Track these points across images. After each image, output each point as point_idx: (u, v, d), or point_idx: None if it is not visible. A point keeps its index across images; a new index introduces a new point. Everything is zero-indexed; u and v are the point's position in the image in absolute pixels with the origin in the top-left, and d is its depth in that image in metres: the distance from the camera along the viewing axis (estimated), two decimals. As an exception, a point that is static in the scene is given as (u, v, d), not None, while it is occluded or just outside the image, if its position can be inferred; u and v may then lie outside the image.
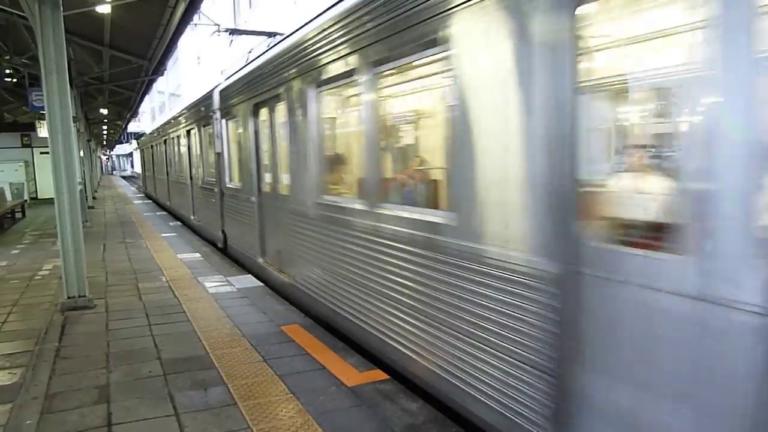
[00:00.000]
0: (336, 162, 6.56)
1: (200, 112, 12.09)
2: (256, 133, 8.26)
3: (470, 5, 3.34)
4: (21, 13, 8.18)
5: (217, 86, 10.62)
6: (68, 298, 6.97)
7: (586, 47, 2.78)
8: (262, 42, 10.52)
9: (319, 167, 6.01)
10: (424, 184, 5.26)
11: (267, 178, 8.06)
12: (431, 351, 4.03)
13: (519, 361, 3.15)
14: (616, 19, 3.00)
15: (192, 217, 14.53)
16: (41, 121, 20.47)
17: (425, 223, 4.07)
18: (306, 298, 6.49)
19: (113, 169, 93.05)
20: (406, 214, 4.36)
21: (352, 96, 5.87)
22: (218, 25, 27.25)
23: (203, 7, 15.98)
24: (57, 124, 6.76)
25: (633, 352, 2.54)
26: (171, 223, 16.43)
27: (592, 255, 2.71)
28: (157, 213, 19.93)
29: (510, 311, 3.19)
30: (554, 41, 2.80)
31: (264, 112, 7.86)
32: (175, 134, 16.55)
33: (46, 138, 6.91)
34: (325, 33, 5.42)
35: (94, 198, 25.00)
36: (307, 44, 5.92)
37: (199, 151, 12.93)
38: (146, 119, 64.14)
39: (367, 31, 4.60)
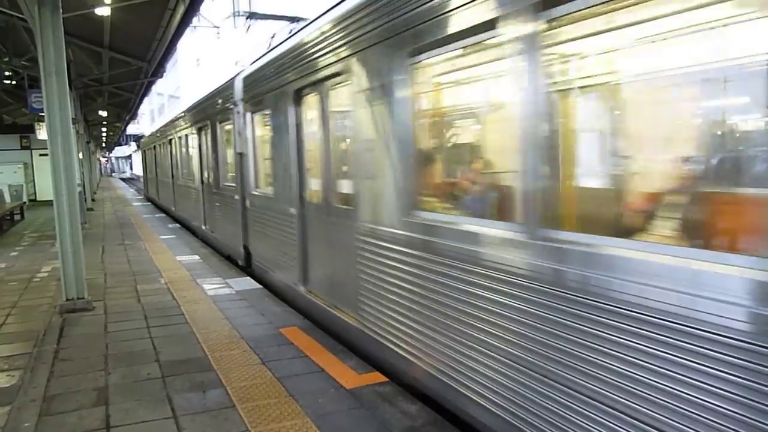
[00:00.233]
0: (451, 161, 4.72)
1: (216, 106, 10.47)
2: (298, 127, 6.55)
3: None
4: (20, 15, 8.19)
5: (239, 74, 8.99)
6: (67, 300, 6.96)
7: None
8: (283, 28, 9.77)
9: (413, 171, 4.21)
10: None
11: (313, 184, 6.38)
12: None
13: None
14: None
15: (203, 227, 12.83)
16: (40, 123, 20.45)
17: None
18: (384, 351, 4.68)
19: (112, 171, 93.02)
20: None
21: (485, 61, 3.90)
22: (218, 27, 27.29)
23: (202, 9, 16.00)
24: (56, 126, 6.76)
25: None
26: (170, 225, 16.40)
27: None
28: (156, 215, 19.92)
29: None
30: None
31: (311, 100, 6.21)
32: (183, 133, 14.70)
33: (46, 140, 6.91)
34: None
35: (93, 200, 24.98)
36: None
37: (213, 152, 11.14)
38: (145, 121, 64.12)
39: None
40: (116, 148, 79.40)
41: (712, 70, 2.79)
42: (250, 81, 8.22)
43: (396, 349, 4.45)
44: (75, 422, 4.05)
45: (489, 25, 3.20)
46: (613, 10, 2.73)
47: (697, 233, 2.84)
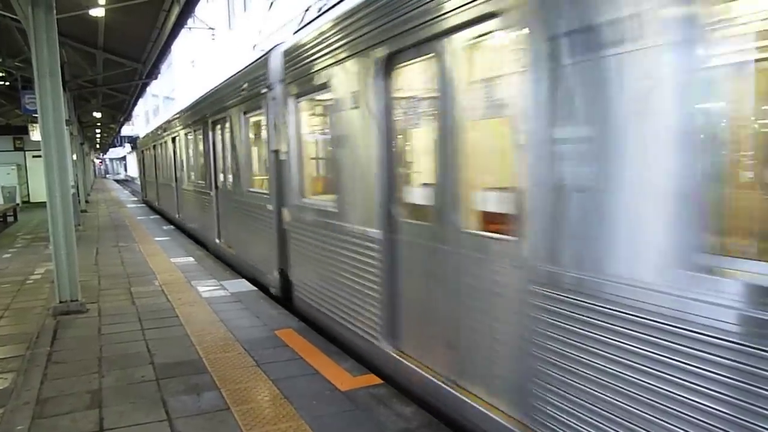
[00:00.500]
0: None
1: (238, 94, 8.51)
2: (387, 111, 4.51)
3: None
4: (14, 16, 8.16)
5: (274, 48, 7.01)
6: (60, 302, 6.92)
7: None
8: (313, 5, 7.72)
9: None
10: None
11: (417, 195, 4.40)
12: None
13: None
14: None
15: (217, 241, 10.83)
16: (34, 125, 20.34)
17: None
18: None
19: (107, 172, 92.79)
20: None
21: None
22: (213, 29, 27.22)
23: (197, 10, 15.95)
24: (50, 127, 6.72)
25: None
26: (164, 227, 16.35)
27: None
28: (151, 217, 19.85)
29: None
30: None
31: (416, 69, 4.25)
32: (191, 129, 12.84)
33: (39, 141, 6.87)
34: None
35: (87, 202, 24.89)
36: None
37: (232, 150, 9.20)
38: (140, 122, 63.91)
39: None
40: (110, 149, 79.23)
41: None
42: (297, 55, 6.08)
43: None
44: (68, 425, 4.02)
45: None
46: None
47: None
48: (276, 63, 6.85)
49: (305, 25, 6.42)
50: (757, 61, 2.32)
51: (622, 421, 2.56)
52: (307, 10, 7.90)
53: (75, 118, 20.27)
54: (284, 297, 7.16)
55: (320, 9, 6.68)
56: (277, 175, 7.09)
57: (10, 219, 18.95)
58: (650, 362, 2.40)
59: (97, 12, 10.40)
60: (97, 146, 56.10)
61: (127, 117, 34.66)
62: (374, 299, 4.77)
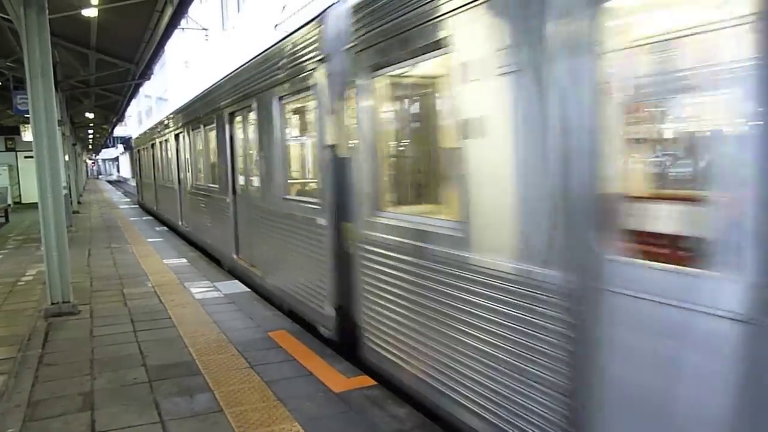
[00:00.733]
0: None
1: (274, 73, 6.57)
2: (591, 72, 2.58)
3: None
4: (6, 16, 8.10)
5: (333, 5, 5.22)
6: (52, 304, 6.88)
7: None
8: None
9: None
10: None
11: (669, 217, 2.49)
12: None
13: None
14: None
15: (234, 256, 9.08)
16: (26, 125, 20.27)
17: None
18: None
19: (99, 173, 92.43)
20: None
21: None
22: (206, 29, 27.18)
23: (190, 11, 15.91)
24: (42, 127, 6.69)
25: None
26: (157, 228, 16.29)
27: None
28: (144, 218, 19.77)
29: None
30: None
31: None
32: (201, 124, 10.95)
33: (31, 142, 6.84)
34: None
35: (79, 202, 24.77)
36: None
37: (258, 147, 7.41)
38: (133, 123, 63.69)
39: None
40: (103, 150, 78.90)
41: None
42: (381, 6, 4.27)
43: None
44: (60, 427, 4.00)
45: None
46: None
47: None
48: (337, 25, 5.02)
49: None
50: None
51: None
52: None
53: (67, 119, 20.18)
54: (342, 341, 5.36)
55: None
56: (336, 180, 5.25)
57: (2, 220, 18.83)
58: None
59: (90, 12, 10.35)
60: (90, 147, 55.83)
61: (120, 118, 34.51)
62: (552, 387, 2.87)
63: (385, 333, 4.56)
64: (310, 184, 6.77)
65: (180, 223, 14.21)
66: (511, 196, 3.10)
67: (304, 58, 5.72)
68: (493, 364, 3.28)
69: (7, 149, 26.37)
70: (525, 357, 3.03)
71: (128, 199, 31.14)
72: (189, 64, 39.82)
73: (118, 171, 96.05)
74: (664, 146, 2.66)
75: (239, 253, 8.89)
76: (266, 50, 6.99)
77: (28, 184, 25.30)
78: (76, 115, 25.56)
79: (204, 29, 27.06)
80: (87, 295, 7.95)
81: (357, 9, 4.65)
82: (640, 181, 2.67)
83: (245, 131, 8.26)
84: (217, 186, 9.93)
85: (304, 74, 5.74)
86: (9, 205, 21.86)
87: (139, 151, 24.44)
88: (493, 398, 3.29)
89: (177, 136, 13.89)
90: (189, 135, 12.37)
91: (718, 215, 2.13)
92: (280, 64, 6.42)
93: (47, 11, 6.73)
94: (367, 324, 4.84)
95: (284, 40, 6.38)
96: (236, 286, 8.26)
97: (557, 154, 2.78)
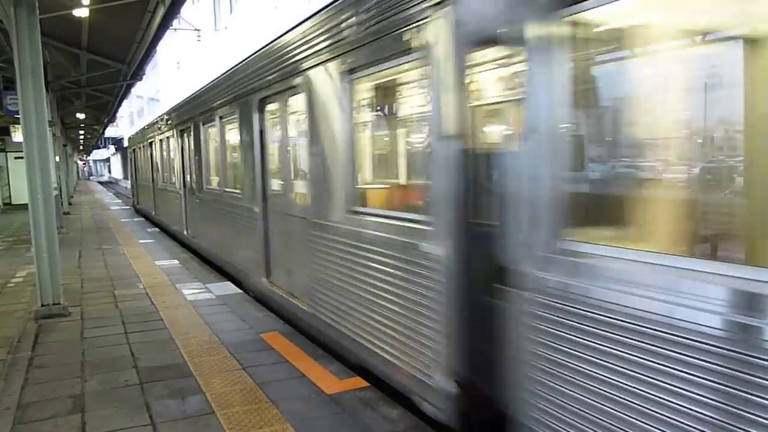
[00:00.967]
0: None
1: (339, 38, 4.84)
2: None
3: None
4: (-4, 16, 8.04)
5: None
6: (42, 305, 6.83)
7: None
8: None
9: None
10: None
11: None
12: None
13: None
14: None
15: (264, 279, 7.20)
16: (16, 126, 20.12)
17: None
18: None
19: (90, 174, 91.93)
20: None
21: None
22: (198, 30, 27.08)
23: (183, 11, 15.84)
24: (32, 128, 6.65)
25: None
26: (149, 230, 16.21)
27: None
28: (135, 219, 19.67)
29: None
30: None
31: None
32: (215, 116, 9.18)
33: (21, 143, 6.80)
34: None
35: (70, 204, 24.62)
36: None
37: (306, 142, 5.67)
38: (124, 124, 63.42)
39: None
40: (94, 151, 78.50)
41: None
42: None
43: None
44: (50, 430, 3.97)
45: None
46: None
47: None
48: None
49: None
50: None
51: None
52: None
53: (58, 119, 20.04)
54: (465, 427, 3.63)
55: None
56: (464, 186, 3.58)
57: (-9, 221, 18.69)
58: None
59: (81, 12, 10.29)
60: (81, 148, 55.52)
61: (111, 118, 34.33)
62: None
63: None
64: (406, 193, 5.10)
65: (185, 232, 12.31)
66: None
67: (402, 6, 3.92)
68: None
69: (-2, 150, 26.19)
70: None
71: (120, 201, 30.97)
72: (181, 64, 39.69)
73: (110, 172, 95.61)
74: None
75: (270, 276, 7.14)
76: (327, 6, 5.09)
77: (18, 185, 25.10)
78: (67, 115, 25.42)
79: (196, 30, 26.98)
80: (78, 296, 7.90)
81: None
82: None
83: (283, 123, 6.55)
84: (238, 191, 8.19)
85: (403, 30, 3.92)
86: (-1, 206, 21.72)
87: (134, 150, 22.59)
88: None
89: (183, 132, 12.09)
90: (198, 130, 10.59)
91: None
92: (355, 21, 4.55)
93: (38, 11, 6.69)
94: (538, 418, 2.97)
95: None
96: (228, 288, 8.23)
97: None
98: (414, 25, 3.79)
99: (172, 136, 13.45)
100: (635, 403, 2.43)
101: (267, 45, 6.73)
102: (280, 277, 6.85)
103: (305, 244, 5.79)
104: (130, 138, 26.13)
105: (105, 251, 12.12)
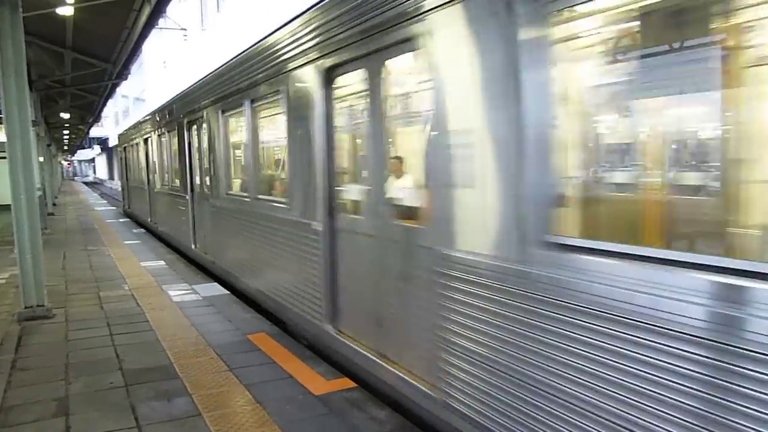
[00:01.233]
0: None
1: None
2: None
3: None
4: (-22, 14, 7.93)
5: None
6: (26, 307, 6.75)
7: None
8: None
9: None
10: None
11: None
12: None
13: None
14: None
15: (330, 327, 5.07)
16: (-1, 125, 19.81)
17: None
18: None
19: (75, 175, 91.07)
20: None
21: None
22: (185, 29, 26.88)
23: (168, 10, 15.71)
24: (15, 128, 6.58)
25: None
26: (134, 230, 16.08)
27: None
28: (120, 220, 19.50)
29: None
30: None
31: None
32: (230, 107, 7.70)
33: (4, 143, 6.71)
34: None
35: (54, 204, 24.36)
36: None
37: (439, 129, 3.44)
38: (109, 124, 62.88)
39: None
40: (79, 151, 77.75)
41: None
42: None
43: None
44: (33, 434, 3.92)
45: None
46: None
47: None
48: None
49: None
50: None
51: None
52: None
53: (42, 119, 19.83)
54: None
55: None
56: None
57: (-27, 222, 18.42)
58: None
59: (65, 11, 10.19)
60: (66, 148, 54.91)
61: (97, 118, 34.04)
62: None
63: None
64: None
65: (193, 246, 10.33)
66: None
67: None
68: None
69: (-21, 150, 25.85)
70: None
71: (105, 201, 30.69)
72: (167, 64, 39.41)
73: (95, 172, 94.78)
74: None
75: (339, 323, 5.05)
76: None
77: (0, 185, 24.79)
78: (51, 115, 25.15)
79: (183, 29, 26.81)
80: (62, 298, 7.81)
81: None
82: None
83: (376, 105, 4.27)
84: (284, 200, 5.99)
85: None
86: (-19, 206, 21.41)
87: (125, 148, 19.79)
88: None
89: (190, 126, 10.03)
90: (211, 124, 8.55)
91: None
92: None
93: (21, 9, 6.62)
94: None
95: None
96: (215, 289, 8.18)
97: None
98: None
99: (171, 132, 11.67)
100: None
101: (310, 8, 5.05)
102: (357, 326, 4.81)
103: (427, 289, 3.68)
104: (120, 135, 23.77)
105: (90, 252, 12.00)
